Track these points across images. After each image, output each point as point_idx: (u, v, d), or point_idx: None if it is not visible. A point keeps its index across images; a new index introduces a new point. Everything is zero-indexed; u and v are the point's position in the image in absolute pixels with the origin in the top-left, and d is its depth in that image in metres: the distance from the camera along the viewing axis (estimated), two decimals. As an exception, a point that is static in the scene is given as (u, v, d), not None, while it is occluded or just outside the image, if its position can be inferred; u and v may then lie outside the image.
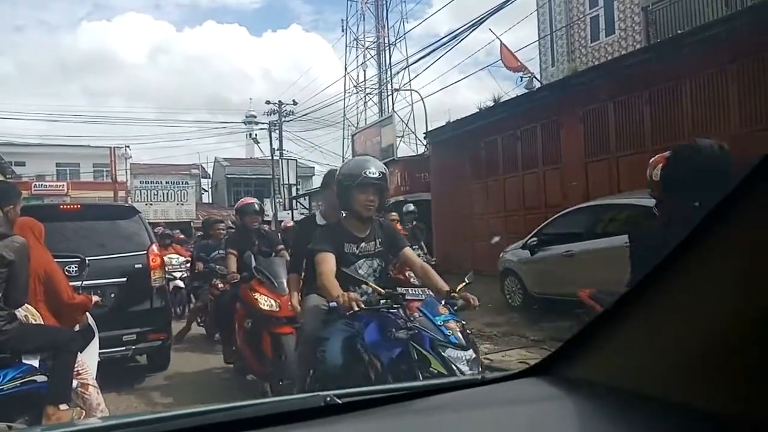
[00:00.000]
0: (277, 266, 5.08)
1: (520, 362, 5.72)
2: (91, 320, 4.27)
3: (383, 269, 3.34)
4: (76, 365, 3.51)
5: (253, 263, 5.13)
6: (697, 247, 0.74)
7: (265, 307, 4.75)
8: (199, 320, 8.44)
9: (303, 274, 3.92)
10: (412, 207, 10.17)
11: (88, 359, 3.88)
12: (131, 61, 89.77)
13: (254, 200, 6.27)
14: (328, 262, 3.02)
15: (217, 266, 7.00)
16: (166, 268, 9.84)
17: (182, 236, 14.70)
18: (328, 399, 1.02)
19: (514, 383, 1.09)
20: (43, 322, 3.57)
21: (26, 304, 3.44)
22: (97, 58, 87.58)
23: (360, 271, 3.17)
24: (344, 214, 3.34)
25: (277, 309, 4.70)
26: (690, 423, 0.74)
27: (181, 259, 11.01)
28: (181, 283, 10.55)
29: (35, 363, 3.34)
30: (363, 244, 3.22)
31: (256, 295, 4.85)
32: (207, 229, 9.00)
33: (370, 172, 3.06)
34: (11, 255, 3.21)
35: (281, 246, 5.91)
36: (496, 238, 7.48)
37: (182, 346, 7.57)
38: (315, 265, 3.04)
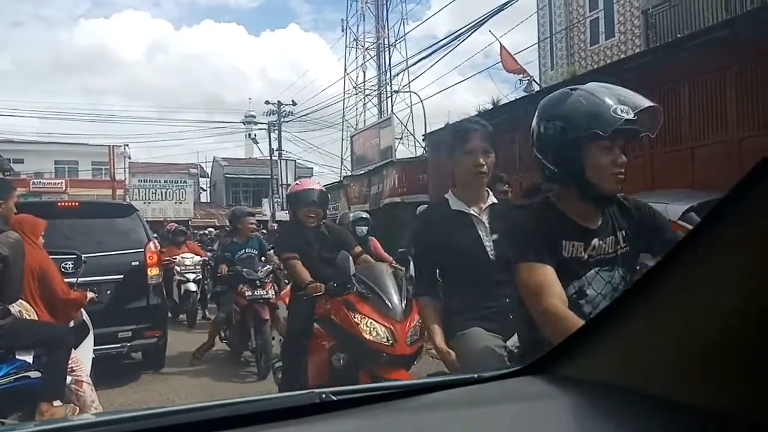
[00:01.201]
0: (385, 276, 3.69)
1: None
2: (85, 317, 4.27)
3: (629, 284, 1.85)
4: (70, 362, 3.51)
5: (352, 268, 3.77)
6: (696, 244, 0.74)
7: (372, 337, 3.35)
8: (222, 334, 7.02)
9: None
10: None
11: (83, 356, 3.87)
12: (129, 59, 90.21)
13: (315, 184, 4.46)
14: (551, 285, 1.67)
15: (245, 269, 6.21)
16: (178, 269, 9.51)
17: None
18: (324, 396, 1.01)
19: (510, 381, 1.08)
20: (37, 318, 3.56)
21: (20, 300, 3.43)
22: (95, 56, 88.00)
23: (588, 292, 1.81)
24: (556, 191, 1.92)
25: (391, 342, 3.34)
26: (689, 421, 0.73)
27: (196, 258, 9.88)
28: (193, 286, 9.46)
29: (29, 359, 3.33)
30: (596, 242, 1.82)
31: (358, 318, 3.43)
32: (234, 223, 7.49)
33: (622, 111, 1.71)
34: (5, 250, 3.20)
35: (359, 248, 4.27)
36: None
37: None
38: (528, 289, 1.70)
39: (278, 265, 6.61)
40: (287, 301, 5.06)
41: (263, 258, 6.82)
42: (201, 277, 9.75)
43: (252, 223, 6.96)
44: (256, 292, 6.16)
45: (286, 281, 8.08)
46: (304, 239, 4.17)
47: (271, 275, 6.58)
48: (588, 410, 0.90)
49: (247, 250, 6.66)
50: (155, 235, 12.41)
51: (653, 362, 0.80)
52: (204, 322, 9.66)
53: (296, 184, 4.37)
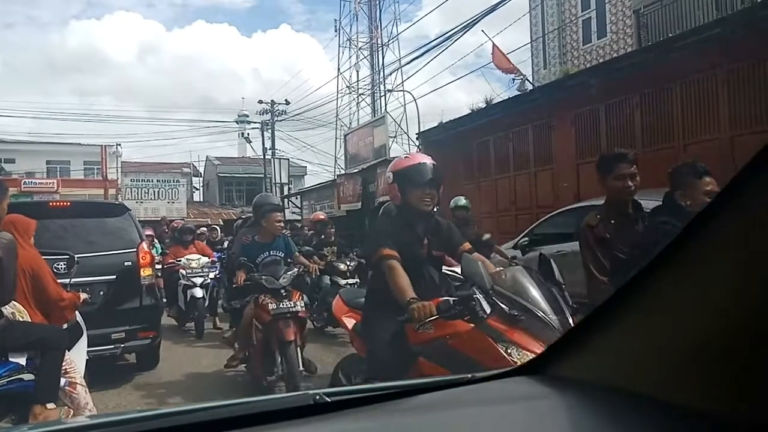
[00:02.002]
0: (530, 283, 2.71)
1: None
2: (79, 318, 4.24)
3: None
4: (63, 363, 3.48)
5: (486, 279, 2.66)
6: (688, 245, 0.74)
7: None
8: (243, 353, 5.45)
9: None
10: (463, 201, 7.32)
11: (76, 357, 3.85)
12: (121, 60, 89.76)
13: (426, 157, 3.29)
14: None
15: (263, 276, 4.96)
16: (184, 272, 8.56)
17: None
18: (317, 398, 1.01)
19: (504, 382, 1.09)
20: (30, 320, 3.54)
21: (13, 302, 3.41)
22: (87, 56, 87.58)
23: None
24: None
25: None
26: (681, 421, 0.74)
27: (204, 260, 8.80)
28: (200, 292, 8.36)
29: (22, 361, 3.31)
30: None
31: (513, 351, 2.49)
32: (257, 215, 5.64)
33: None
34: (-1, 252, 3.18)
35: (468, 245, 3.26)
36: (487, 236, 7.50)
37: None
38: None
39: (305, 268, 5.63)
40: (342, 316, 3.85)
41: (289, 262, 5.51)
42: (209, 281, 8.77)
43: (279, 220, 5.52)
44: (281, 305, 4.85)
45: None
46: (413, 231, 3.16)
47: (296, 280, 5.34)
48: (581, 410, 0.90)
49: (271, 253, 5.37)
50: (160, 233, 11.98)
51: (646, 363, 0.81)
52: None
53: (405, 158, 3.29)
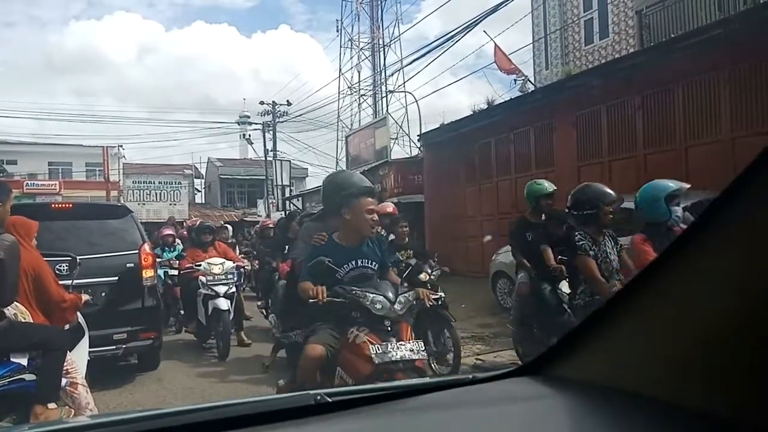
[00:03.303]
0: None
1: (512, 362, 5.69)
2: (81, 319, 4.26)
3: None
4: (65, 364, 3.50)
5: None
6: (689, 246, 0.74)
7: None
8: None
9: None
10: (547, 184, 6.11)
11: (78, 358, 3.86)
12: (121, 60, 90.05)
13: None
14: None
15: (368, 292, 3.15)
16: (204, 279, 7.09)
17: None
18: (318, 398, 1.01)
19: (505, 382, 1.09)
20: (32, 321, 3.55)
21: (15, 303, 3.42)
22: (86, 57, 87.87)
23: None
24: None
25: None
26: (681, 422, 0.74)
27: (228, 264, 7.33)
28: (225, 304, 6.92)
29: (24, 361, 3.32)
30: None
31: None
32: (335, 203, 3.59)
33: None
34: (1, 253, 3.18)
35: None
36: (488, 237, 7.45)
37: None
38: None
39: (426, 295, 3.50)
40: None
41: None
42: (235, 290, 7.36)
43: (372, 210, 3.46)
44: (390, 348, 2.98)
45: None
46: None
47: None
48: (582, 410, 0.90)
49: (359, 263, 3.45)
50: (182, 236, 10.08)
51: (646, 363, 0.81)
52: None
53: None
